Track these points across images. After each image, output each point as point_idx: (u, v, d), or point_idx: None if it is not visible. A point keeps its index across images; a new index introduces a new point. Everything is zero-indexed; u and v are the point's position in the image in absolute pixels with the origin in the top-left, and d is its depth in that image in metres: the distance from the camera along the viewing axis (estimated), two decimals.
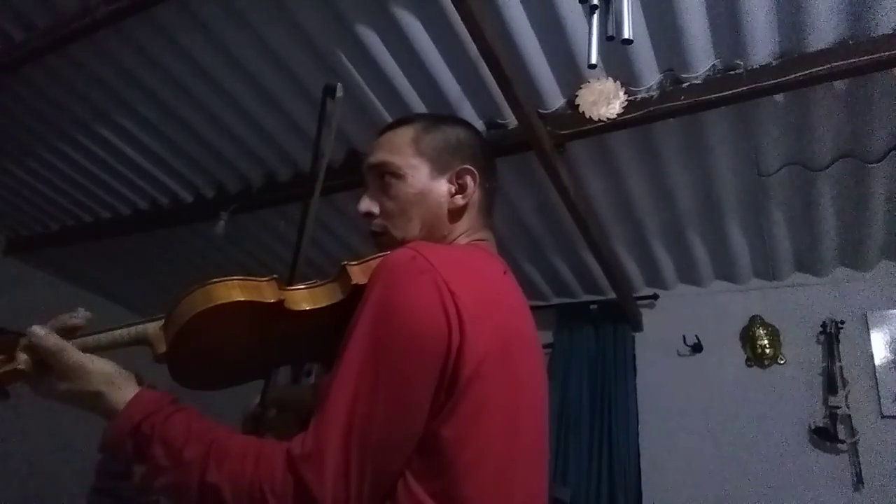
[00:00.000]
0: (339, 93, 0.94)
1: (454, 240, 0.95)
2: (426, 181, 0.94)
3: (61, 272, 3.93)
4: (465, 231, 0.96)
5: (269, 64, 2.22)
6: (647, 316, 3.15)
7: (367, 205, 0.95)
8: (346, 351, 0.74)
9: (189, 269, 3.61)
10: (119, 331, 0.84)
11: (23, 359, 0.80)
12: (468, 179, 0.96)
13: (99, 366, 0.80)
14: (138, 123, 2.65)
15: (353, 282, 0.82)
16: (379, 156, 0.96)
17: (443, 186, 0.95)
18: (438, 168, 0.95)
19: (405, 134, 0.97)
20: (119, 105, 2.56)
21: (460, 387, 0.73)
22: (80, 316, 0.85)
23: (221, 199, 2.95)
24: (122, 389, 0.79)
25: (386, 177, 0.94)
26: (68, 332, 0.83)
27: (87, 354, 0.80)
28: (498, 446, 0.76)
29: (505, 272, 0.92)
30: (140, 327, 0.83)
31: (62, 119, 2.71)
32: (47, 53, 2.26)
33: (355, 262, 0.85)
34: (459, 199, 0.95)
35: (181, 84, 2.38)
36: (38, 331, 0.79)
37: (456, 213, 0.95)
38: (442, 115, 1.05)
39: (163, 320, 0.82)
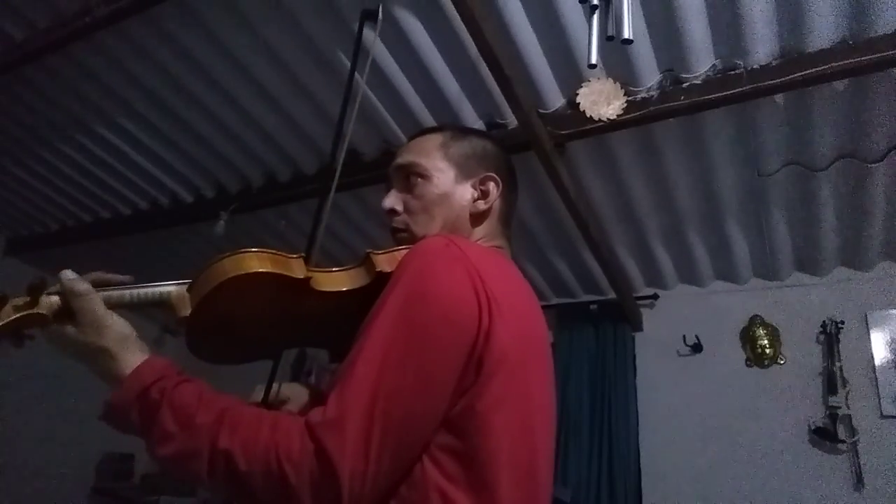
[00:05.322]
0: (380, 16, 0.91)
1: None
2: (451, 184, 0.98)
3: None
4: (484, 236, 0.99)
5: (269, 64, 2.22)
6: (647, 316, 3.15)
7: (392, 201, 0.98)
8: (372, 327, 0.73)
9: (189, 269, 3.58)
10: (144, 289, 0.82)
11: (47, 303, 0.77)
12: (491, 186, 0.99)
13: (117, 324, 0.78)
14: (138, 123, 2.65)
15: (378, 269, 0.83)
16: (408, 157, 1.00)
17: (466, 191, 0.98)
18: (464, 173, 0.99)
19: (434, 139, 1.01)
20: (119, 105, 2.56)
21: (486, 371, 0.73)
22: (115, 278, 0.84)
23: (221, 199, 2.96)
24: (133, 353, 0.77)
25: (412, 177, 0.97)
26: (97, 285, 0.81)
27: (109, 311, 0.79)
28: (516, 441, 0.76)
29: (523, 278, 0.93)
30: (164, 288, 0.82)
31: (62, 119, 2.71)
32: (47, 53, 2.26)
33: (380, 252, 0.86)
34: (481, 204, 0.98)
35: (181, 84, 2.38)
36: (70, 274, 0.78)
37: (477, 218, 0.99)
38: (470, 128, 1.09)
39: (187, 284, 0.82)
